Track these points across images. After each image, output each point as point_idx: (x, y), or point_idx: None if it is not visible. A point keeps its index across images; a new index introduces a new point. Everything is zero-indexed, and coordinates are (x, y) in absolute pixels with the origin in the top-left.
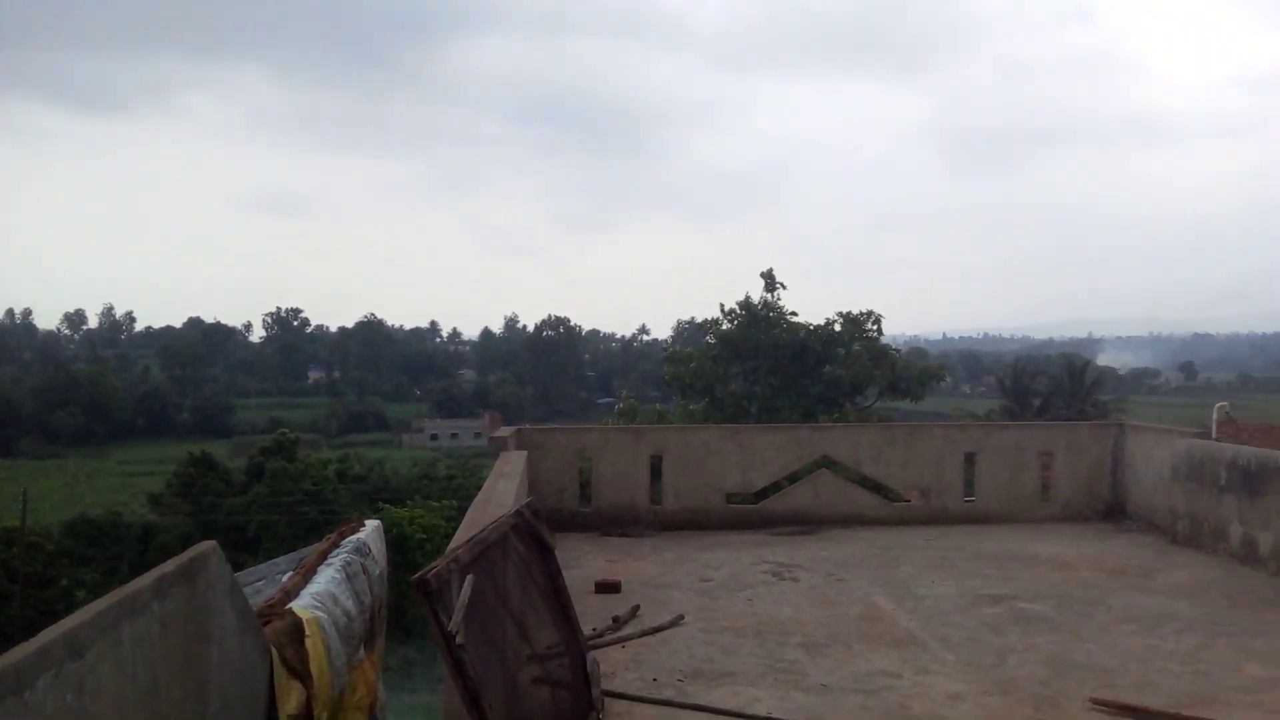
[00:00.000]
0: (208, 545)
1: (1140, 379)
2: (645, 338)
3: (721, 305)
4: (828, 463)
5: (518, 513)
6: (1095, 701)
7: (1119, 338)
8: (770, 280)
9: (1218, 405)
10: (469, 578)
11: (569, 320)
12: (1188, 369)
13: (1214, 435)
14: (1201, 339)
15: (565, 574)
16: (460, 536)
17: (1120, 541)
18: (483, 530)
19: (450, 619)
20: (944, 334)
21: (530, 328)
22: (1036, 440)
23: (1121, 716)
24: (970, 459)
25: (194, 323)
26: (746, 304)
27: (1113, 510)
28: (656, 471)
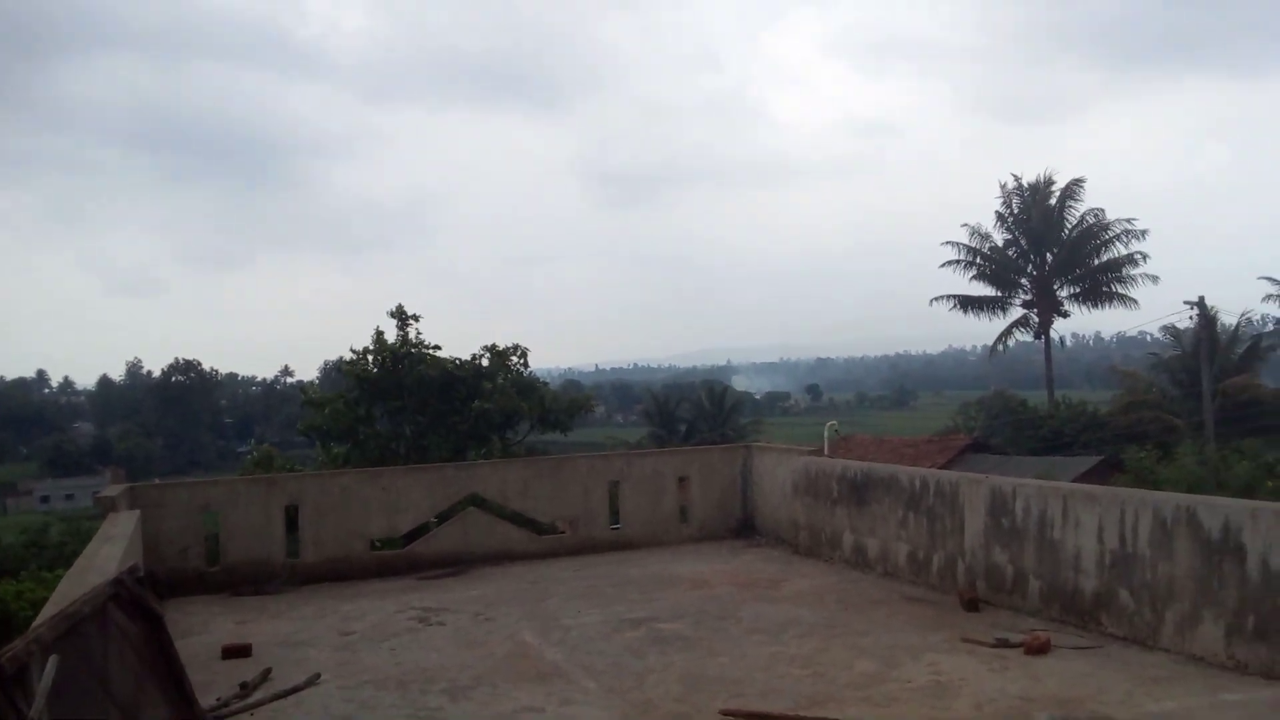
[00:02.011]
0: None
1: (774, 402)
2: (289, 379)
3: (352, 347)
4: (477, 500)
5: (117, 580)
6: (724, 713)
7: (753, 364)
8: (402, 316)
9: (828, 424)
10: (53, 658)
11: (200, 364)
12: (814, 390)
13: (826, 452)
14: (824, 363)
15: (190, 640)
16: (47, 612)
17: (751, 556)
18: (73, 603)
19: (31, 707)
20: (596, 366)
21: (156, 373)
22: (674, 465)
23: None
24: (615, 487)
25: None
26: (379, 341)
27: (744, 527)
28: (294, 523)
